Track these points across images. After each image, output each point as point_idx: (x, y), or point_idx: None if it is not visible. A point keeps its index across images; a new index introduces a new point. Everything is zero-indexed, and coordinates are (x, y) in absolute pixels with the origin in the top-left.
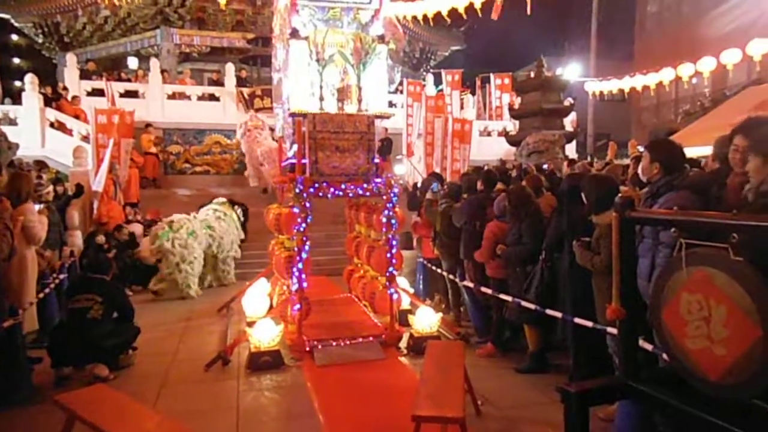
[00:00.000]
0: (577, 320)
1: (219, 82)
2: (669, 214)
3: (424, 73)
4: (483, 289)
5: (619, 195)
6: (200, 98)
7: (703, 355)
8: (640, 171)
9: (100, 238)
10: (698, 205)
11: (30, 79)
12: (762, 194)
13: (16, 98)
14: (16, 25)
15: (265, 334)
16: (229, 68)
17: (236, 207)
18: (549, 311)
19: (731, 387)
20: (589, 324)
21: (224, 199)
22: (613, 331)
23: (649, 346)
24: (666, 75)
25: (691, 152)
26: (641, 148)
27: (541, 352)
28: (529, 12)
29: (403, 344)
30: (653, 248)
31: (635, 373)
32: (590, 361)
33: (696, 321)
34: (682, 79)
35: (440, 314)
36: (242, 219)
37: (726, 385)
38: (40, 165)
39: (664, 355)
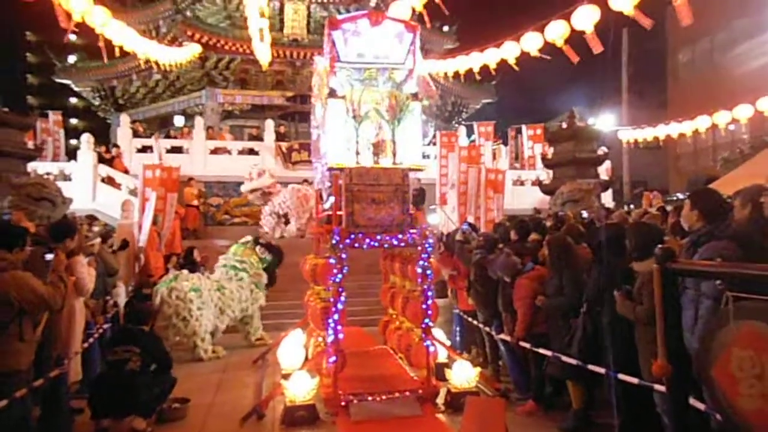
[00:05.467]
0: (621, 376)
1: (258, 138)
2: (714, 266)
3: (456, 126)
4: (521, 343)
5: (659, 246)
6: (240, 152)
7: (759, 416)
8: (681, 219)
9: (149, 290)
10: (740, 255)
11: (86, 138)
12: None
13: (70, 156)
14: (75, 89)
15: (301, 388)
16: (269, 124)
17: (260, 249)
18: (592, 367)
19: None
20: (635, 380)
21: (248, 238)
22: (661, 388)
23: (701, 405)
24: (702, 122)
25: None
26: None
27: (585, 409)
28: (575, 60)
29: (440, 400)
30: (696, 299)
31: None
32: (637, 420)
33: (749, 379)
34: (718, 127)
35: (478, 368)
36: (268, 260)
37: None
38: (91, 219)
39: (717, 416)
